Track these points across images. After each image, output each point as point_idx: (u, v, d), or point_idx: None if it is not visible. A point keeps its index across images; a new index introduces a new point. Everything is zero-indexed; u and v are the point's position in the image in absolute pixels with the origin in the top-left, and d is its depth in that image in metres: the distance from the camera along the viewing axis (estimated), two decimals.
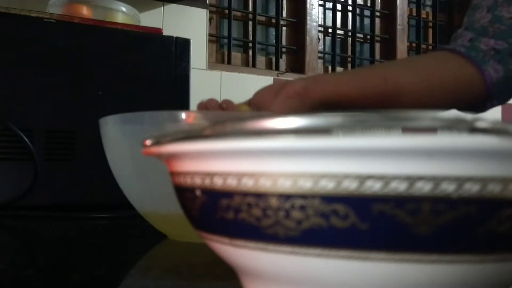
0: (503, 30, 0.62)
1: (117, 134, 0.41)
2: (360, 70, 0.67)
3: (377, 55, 1.87)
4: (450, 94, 0.61)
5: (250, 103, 0.57)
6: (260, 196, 0.17)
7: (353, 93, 0.57)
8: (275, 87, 0.57)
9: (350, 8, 1.85)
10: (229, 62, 1.59)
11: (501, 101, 0.64)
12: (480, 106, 0.64)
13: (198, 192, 0.20)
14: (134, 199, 0.43)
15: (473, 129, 0.15)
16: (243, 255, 0.19)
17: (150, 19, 1.35)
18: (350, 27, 1.84)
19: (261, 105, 0.56)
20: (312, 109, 0.55)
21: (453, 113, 0.16)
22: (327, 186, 0.16)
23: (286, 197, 0.16)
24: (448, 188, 0.15)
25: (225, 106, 0.55)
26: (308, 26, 1.70)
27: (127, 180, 0.43)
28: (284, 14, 1.72)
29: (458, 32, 0.66)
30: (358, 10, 1.87)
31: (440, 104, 0.60)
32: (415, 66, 0.62)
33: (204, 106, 0.56)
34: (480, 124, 0.15)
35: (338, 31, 1.82)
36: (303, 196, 0.16)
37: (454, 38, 0.66)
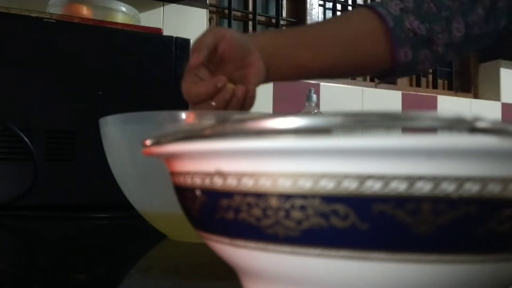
0: (434, 13, 0.63)
1: (117, 134, 0.41)
2: (291, 34, 0.66)
3: None
4: (360, 66, 0.65)
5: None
6: (260, 196, 0.17)
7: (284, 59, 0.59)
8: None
9: (350, 8, 1.85)
10: None
11: (401, 76, 0.69)
12: (379, 75, 0.68)
13: (198, 192, 0.20)
14: (135, 199, 0.43)
15: (473, 129, 0.15)
16: (243, 255, 0.19)
17: (150, 19, 1.35)
18: None
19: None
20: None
21: (453, 113, 0.16)
22: (327, 186, 0.16)
23: (286, 197, 0.16)
24: (448, 188, 0.15)
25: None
26: None
27: (128, 180, 0.43)
28: (284, 14, 1.72)
29: None
30: None
31: (345, 73, 0.67)
32: (344, 44, 0.63)
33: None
34: (480, 124, 0.15)
35: None
36: (303, 196, 0.16)
37: None
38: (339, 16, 0.72)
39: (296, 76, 0.63)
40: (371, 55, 0.64)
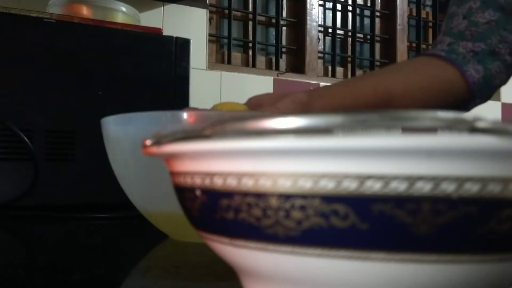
0: (480, 33, 0.65)
1: (119, 134, 0.41)
2: (353, 81, 0.72)
3: (377, 55, 1.87)
4: (433, 96, 0.64)
5: (248, 104, 0.57)
6: (260, 196, 0.17)
7: (347, 105, 0.60)
8: (276, 95, 0.59)
9: (350, 8, 1.85)
10: (229, 62, 1.59)
11: (483, 99, 0.68)
12: (463, 106, 0.68)
13: (198, 192, 0.20)
14: (136, 199, 0.43)
15: (473, 129, 0.15)
16: (243, 255, 0.19)
17: (150, 19, 1.35)
18: (350, 27, 1.84)
19: (259, 106, 0.56)
20: None
21: (453, 113, 0.16)
22: (327, 186, 0.16)
23: (286, 197, 0.16)
24: (448, 188, 0.15)
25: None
26: (308, 26, 1.70)
27: (130, 180, 0.42)
28: (284, 14, 1.72)
29: (438, 39, 0.70)
30: (358, 10, 1.86)
31: (423, 107, 0.64)
32: (403, 73, 0.66)
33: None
34: (480, 124, 0.15)
35: (338, 31, 1.82)
36: (303, 196, 0.16)
37: (434, 44, 0.70)
38: (397, 68, 0.74)
39: None
40: (446, 90, 0.65)
